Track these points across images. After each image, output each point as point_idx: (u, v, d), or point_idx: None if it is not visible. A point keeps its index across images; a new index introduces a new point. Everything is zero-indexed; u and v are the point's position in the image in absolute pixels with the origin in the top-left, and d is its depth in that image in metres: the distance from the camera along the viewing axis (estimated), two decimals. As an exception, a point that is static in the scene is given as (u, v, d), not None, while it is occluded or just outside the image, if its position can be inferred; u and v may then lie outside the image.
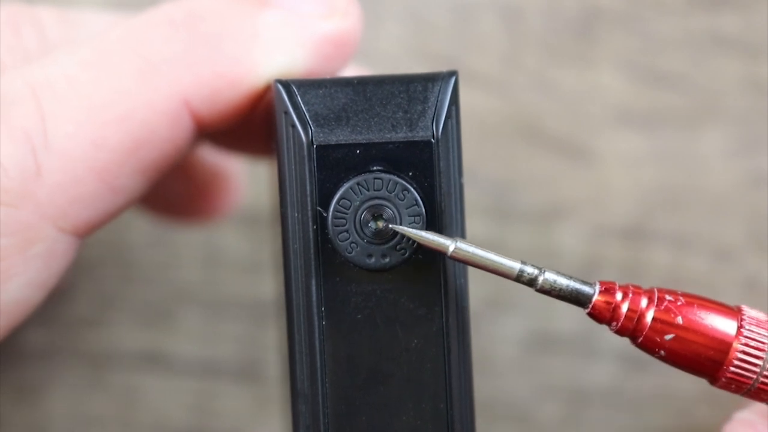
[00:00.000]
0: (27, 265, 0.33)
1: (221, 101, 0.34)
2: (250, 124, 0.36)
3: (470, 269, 0.31)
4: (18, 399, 0.49)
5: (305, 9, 0.35)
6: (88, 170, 0.33)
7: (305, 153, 0.30)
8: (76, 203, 0.33)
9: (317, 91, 0.30)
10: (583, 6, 0.50)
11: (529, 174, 0.50)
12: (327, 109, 0.30)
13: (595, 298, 0.30)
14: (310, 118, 0.30)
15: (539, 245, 0.50)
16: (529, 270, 0.30)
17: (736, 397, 0.32)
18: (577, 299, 0.30)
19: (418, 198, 0.30)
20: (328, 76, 0.34)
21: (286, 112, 0.30)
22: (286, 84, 0.31)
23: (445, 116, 0.30)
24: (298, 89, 0.30)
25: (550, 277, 0.30)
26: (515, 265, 0.30)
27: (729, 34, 0.50)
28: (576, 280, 0.30)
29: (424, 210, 0.30)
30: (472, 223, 0.32)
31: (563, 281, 0.30)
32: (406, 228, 0.30)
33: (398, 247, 0.30)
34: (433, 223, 0.30)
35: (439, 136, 0.30)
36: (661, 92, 0.50)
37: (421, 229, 0.30)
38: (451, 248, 0.30)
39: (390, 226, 0.30)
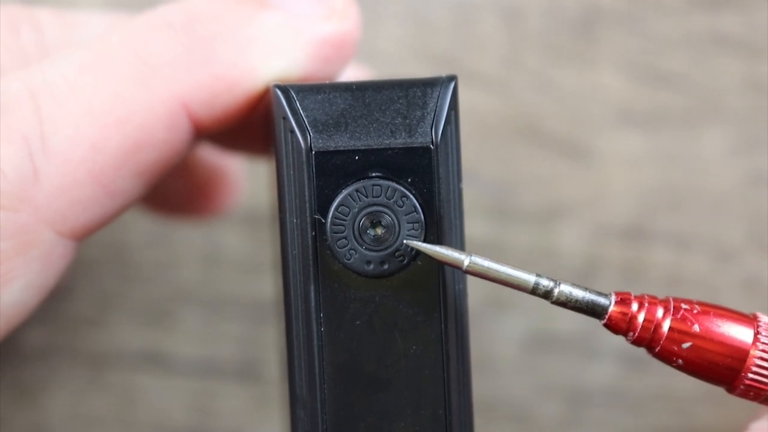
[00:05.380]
0: (26, 268, 0.33)
1: (219, 104, 0.34)
2: (249, 124, 0.36)
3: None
4: (18, 399, 0.49)
5: (304, 11, 0.35)
6: (86, 173, 0.33)
7: (304, 159, 0.30)
8: (74, 206, 0.33)
9: (316, 96, 0.30)
10: (583, 6, 0.50)
11: (529, 174, 0.50)
12: (326, 115, 0.30)
13: (611, 309, 0.30)
14: (308, 124, 0.30)
15: (539, 245, 0.50)
16: (545, 282, 0.30)
17: (737, 399, 0.32)
18: (593, 311, 0.30)
19: (417, 204, 0.30)
20: (327, 80, 0.34)
21: (285, 118, 0.30)
22: (285, 89, 0.30)
23: (445, 122, 0.30)
24: (297, 94, 0.30)
25: (565, 289, 0.30)
26: (530, 278, 0.30)
27: (729, 34, 0.50)
28: (591, 291, 0.30)
29: (422, 216, 0.30)
30: (472, 223, 0.32)
31: (579, 293, 0.30)
32: (421, 243, 0.30)
33: (397, 254, 0.30)
34: (432, 229, 0.30)
35: (438, 142, 0.30)
36: (661, 92, 0.50)
37: (419, 235, 0.30)
38: (466, 263, 0.30)
39: (405, 242, 0.30)
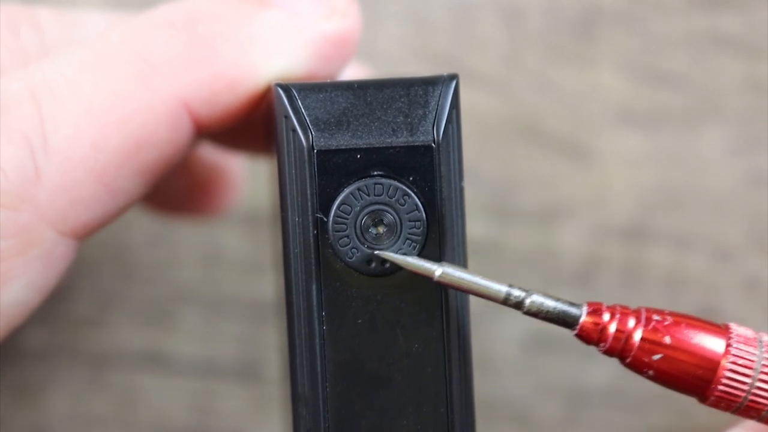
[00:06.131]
0: (26, 267, 0.33)
1: (221, 103, 0.34)
2: (250, 123, 0.36)
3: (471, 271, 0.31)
4: (18, 399, 0.49)
5: (305, 10, 0.35)
6: (88, 172, 0.33)
7: (306, 158, 0.30)
8: (76, 205, 0.33)
9: (318, 95, 0.30)
10: (583, 6, 0.50)
11: (529, 174, 0.50)
12: (327, 114, 0.30)
13: (583, 319, 0.30)
14: (310, 122, 0.30)
15: (539, 245, 0.50)
16: (516, 293, 0.30)
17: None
18: (564, 321, 0.30)
19: (419, 203, 0.30)
20: (328, 78, 0.34)
21: (287, 117, 0.30)
22: (287, 88, 0.30)
23: (446, 120, 0.30)
24: (299, 93, 0.30)
25: (536, 299, 0.30)
26: (502, 289, 0.30)
27: (729, 34, 0.50)
28: (563, 301, 0.30)
29: (424, 215, 0.30)
30: (472, 223, 0.32)
31: (550, 303, 0.30)
32: (391, 254, 0.30)
33: (399, 252, 0.30)
34: (434, 228, 0.30)
35: (440, 141, 0.30)
36: (661, 92, 0.50)
37: (421, 234, 0.30)
38: (438, 273, 0.30)
39: (376, 252, 0.30)
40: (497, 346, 0.50)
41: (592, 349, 0.49)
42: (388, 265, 0.30)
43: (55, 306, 0.49)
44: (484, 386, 0.49)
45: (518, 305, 0.30)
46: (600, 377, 0.50)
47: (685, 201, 0.50)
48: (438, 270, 0.30)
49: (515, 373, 0.50)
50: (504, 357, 0.50)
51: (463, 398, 0.31)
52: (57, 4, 0.43)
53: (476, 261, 0.45)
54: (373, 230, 0.30)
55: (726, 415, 0.33)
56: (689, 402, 0.50)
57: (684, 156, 0.50)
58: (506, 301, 0.30)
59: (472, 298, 0.32)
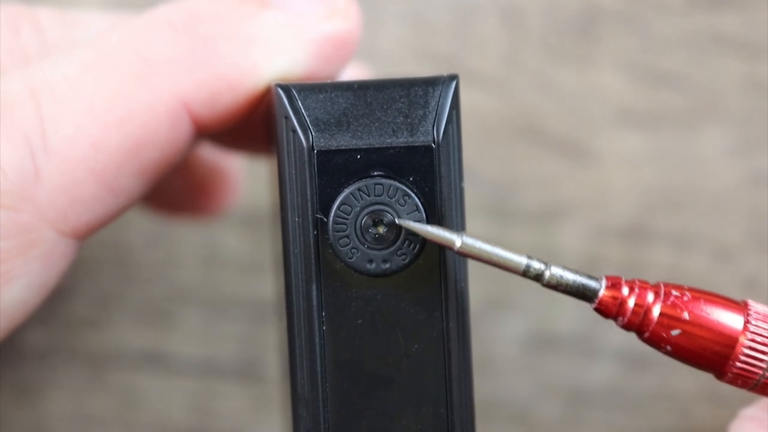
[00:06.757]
0: (27, 267, 0.33)
1: (221, 103, 0.34)
2: (250, 123, 0.36)
3: (470, 273, 0.31)
4: (18, 399, 0.49)
5: (305, 10, 0.35)
6: (88, 172, 0.33)
7: (306, 158, 0.30)
8: (76, 205, 0.33)
9: (318, 95, 0.30)
10: (584, 6, 0.50)
11: (529, 174, 0.50)
12: (327, 114, 0.30)
13: (602, 293, 0.30)
14: (310, 123, 0.30)
15: (539, 245, 0.50)
16: (536, 265, 0.30)
17: (737, 397, 0.32)
18: (584, 294, 0.30)
19: (419, 203, 0.30)
20: (328, 79, 0.34)
21: (287, 117, 0.30)
22: (287, 88, 0.30)
23: (446, 121, 0.30)
24: (299, 94, 0.30)
25: (556, 272, 0.30)
26: (522, 260, 0.30)
27: (729, 34, 0.50)
28: (582, 274, 0.30)
29: (424, 215, 0.30)
30: (472, 223, 0.32)
31: (570, 276, 0.30)
32: (412, 223, 0.30)
33: (399, 252, 0.30)
34: (434, 228, 0.30)
35: (440, 141, 0.30)
36: (661, 92, 0.50)
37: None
38: (458, 243, 0.29)
39: (397, 221, 0.30)
40: (497, 346, 0.50)
41: (592, 349, 0.50)
42: (388, 265, 0.30)
43: (55, 306, 0.49)
44: (484, 386, 0.49)
45: (538, 277, 0.30)
46: (600, 377, 0.50)
47: (685, 201, 0.50)
48: (458, 240, 0.29)
49: (515, 373, 0.50)
50: (504, 357, 0.50)
51: (463, 398, 0.31)
52: (57, 4, 0.43)
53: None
54: (373, 230, 0.30)
55: (728, 417, 0.34)
56: (689, 402, 0.50)
57: (684, 156, 0.50)
58: (526, 273, 0.30)
59: (471, 298, 0.32)
